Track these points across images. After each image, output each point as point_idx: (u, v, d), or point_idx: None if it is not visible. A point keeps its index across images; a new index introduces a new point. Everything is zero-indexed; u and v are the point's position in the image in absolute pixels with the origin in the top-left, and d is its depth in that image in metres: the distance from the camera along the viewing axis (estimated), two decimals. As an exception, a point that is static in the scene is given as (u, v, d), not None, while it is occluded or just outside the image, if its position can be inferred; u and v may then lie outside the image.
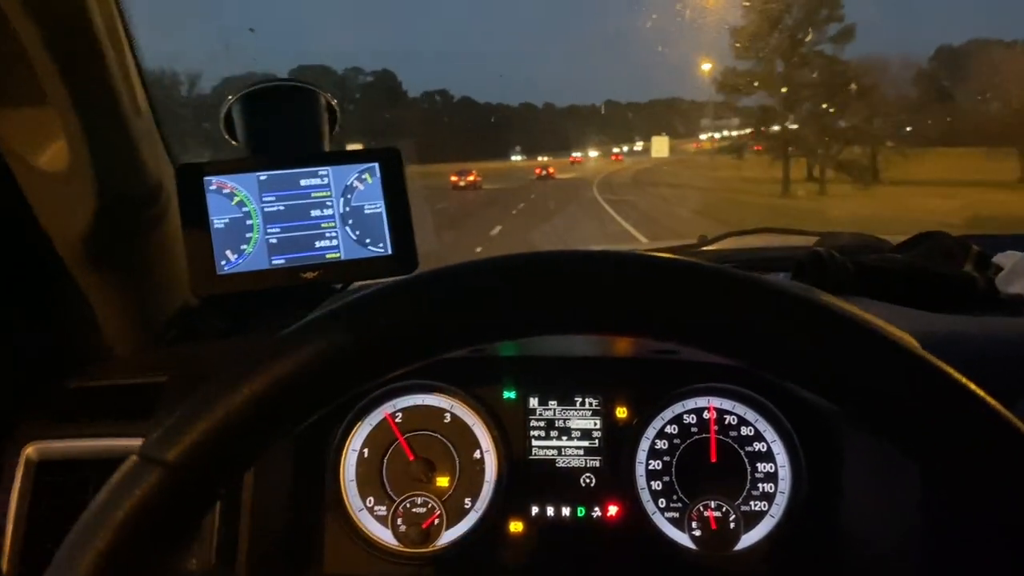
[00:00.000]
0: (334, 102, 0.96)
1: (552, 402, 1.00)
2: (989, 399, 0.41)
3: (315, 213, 0.86)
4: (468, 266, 0.46)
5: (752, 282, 0.44)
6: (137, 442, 0.80)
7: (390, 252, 0.88)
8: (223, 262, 0.83)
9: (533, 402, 1.00)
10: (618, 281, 0.45)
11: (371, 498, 0.97)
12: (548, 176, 31.70)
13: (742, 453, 0.96)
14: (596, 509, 0.97)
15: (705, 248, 1.49)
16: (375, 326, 0.44)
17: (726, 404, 0.97)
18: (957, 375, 0.42)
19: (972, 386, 0.41)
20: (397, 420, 0.98)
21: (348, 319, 0.44)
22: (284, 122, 0.93)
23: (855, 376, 0.43)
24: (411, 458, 0.97)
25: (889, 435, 0.43)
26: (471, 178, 26.41)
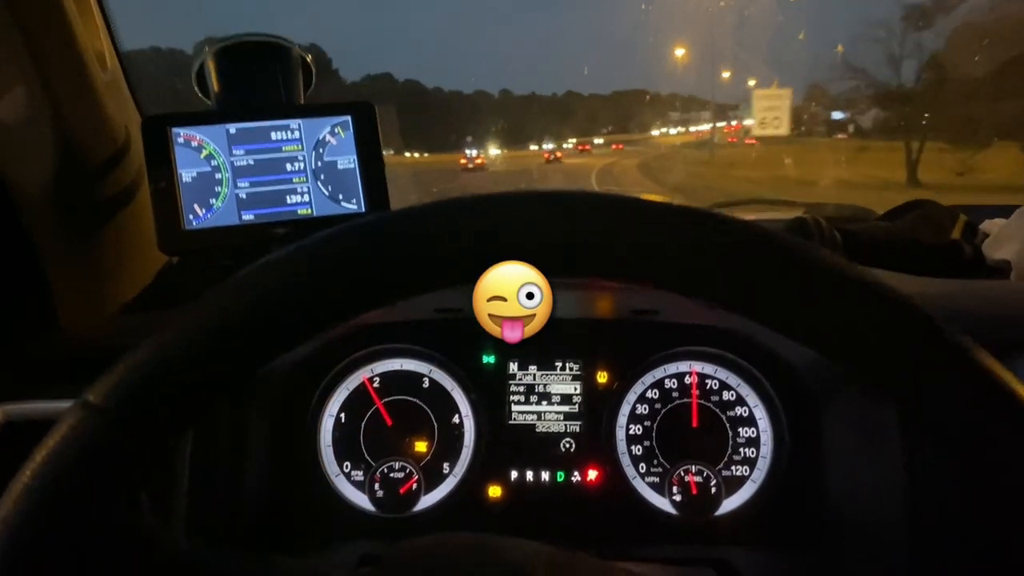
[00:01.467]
0: (309, 58, 0.94)
1: (532, 367, 0.98)
2: (972, 346, 0.40)
3: (286, 167, 0.84)
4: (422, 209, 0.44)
5: (722, 220, 0.43)
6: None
7: (363, 208, 0.85)
8: (191, 216, 0.80)
9: (513, 367, 0.98)
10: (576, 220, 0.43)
11: (348, 463, 0.95)
12: (557, 159, 32.82)
13: (723, 418, 0.95)
14: (576, 474, 0.95)
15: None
16: (320, 272, 0.42)
17: (708, 368, 0.96)
18: (948, 325, 0.40)
19: (961, 337, 0.40)
20: (375, 385, 0.97)
21: (294, 262, 0.43)
22: (257, 78, 0.90)
23: (838, 318, 0.41)
24: (389, 423, 0.96)
25: (874, 379, 0.42)
26: (478, 161, 30.03)
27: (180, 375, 0.41)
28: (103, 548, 0.42)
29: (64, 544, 0.40)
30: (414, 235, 0.43)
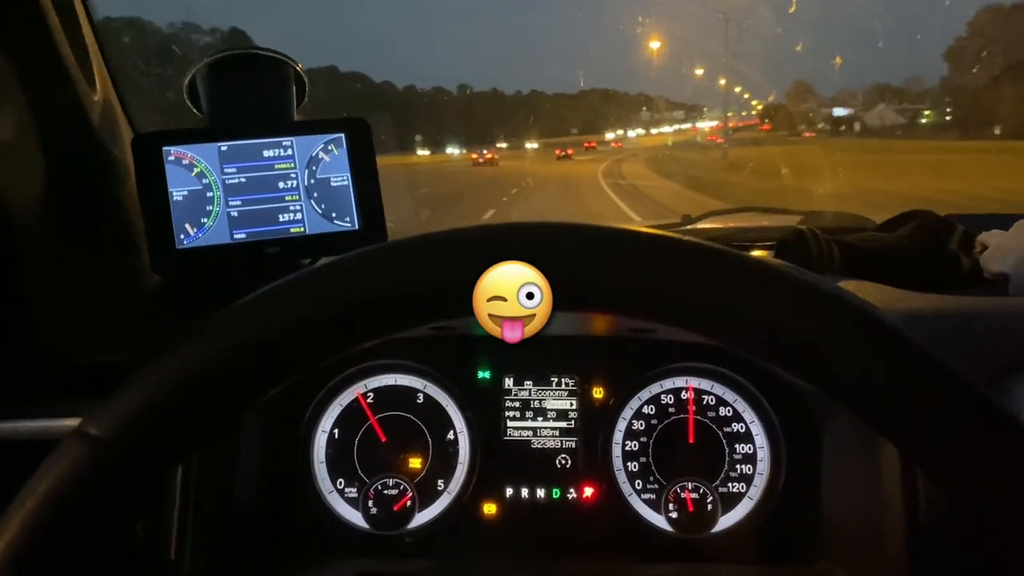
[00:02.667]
0: (301, 69, 0.93)
1: (527, 382, 0.98)
2: (968, 379, 0.40)
3: (279, 185, 0.83)
4: (422, 241, 0.44)
5: (714, 252, 0.42)
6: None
7: (357, 227, 0.84)
8: (182, 236, 0.79)
9: (508, 382, 0.98)
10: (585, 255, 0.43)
11: (341, 480, 0.95)
12: (567, 156, 33.13)
13: (720, 434, 0.94)
14: (572, 491, 0.95)
15: (688, 227, 1.47)
16: (318, 303, 0.43)
17: (704, 384, 0.95)
18: (939, 358, 0.40)
19: (954, 368, 0.40)
20: (369, 400, 0.96)
21: (293, 294, 0.43)
22: (249, 92, 0.89)
23: (831, 352, 0.41)
24: (383, 439, 0.95)
25: (872, 419, 0.41)
26: (488, 156, 31.39)
27: (179, 406, 0.41)
28: (100, 574, 0.43)
29: (62, 572, 0.40)
30: (409, 269, 0.43)
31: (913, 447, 0.41)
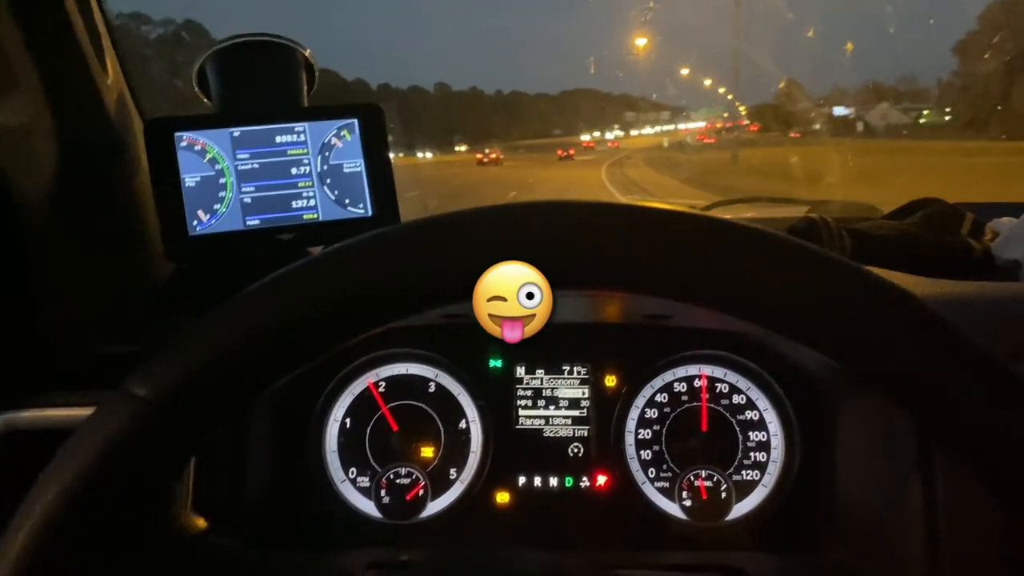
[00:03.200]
0: (311, 56, 0.92)
1: (539, 370, 0.97)
2: (994, 353, 0.40)
3: (292, 171, 0.82)
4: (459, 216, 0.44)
5: (740, 229, 0.42)
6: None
7: (370, 214, 0.84)
8: (195, 222, 0.79)
9: (520, 371, 0.97)
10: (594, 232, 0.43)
11: (353, 469, 0.94)
12: (569, 156, 33.30)
13: (734, 422, 0.94)
14: (584, 479, 0.95)
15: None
16: (356, 277, 0.43)
17: (717, 372, 0.95)
18: (958, 327, 0.40)
19: (975, 339, 0.40)
20: (380, 389, 0.96)
21: (335, 266, 0.43)
22: (259, 79, 0.88)
23: (857, 325, 0.41)
24: (395, 428, 0.95)
25: (891, 389, 0.41)
26: (492, 156, 31.31)
27: (223, 369, 0.42)
28: (136, 533, 0.44)
29: (100, 529, 0.41)
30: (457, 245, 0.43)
31: (936, 419, 0.41)
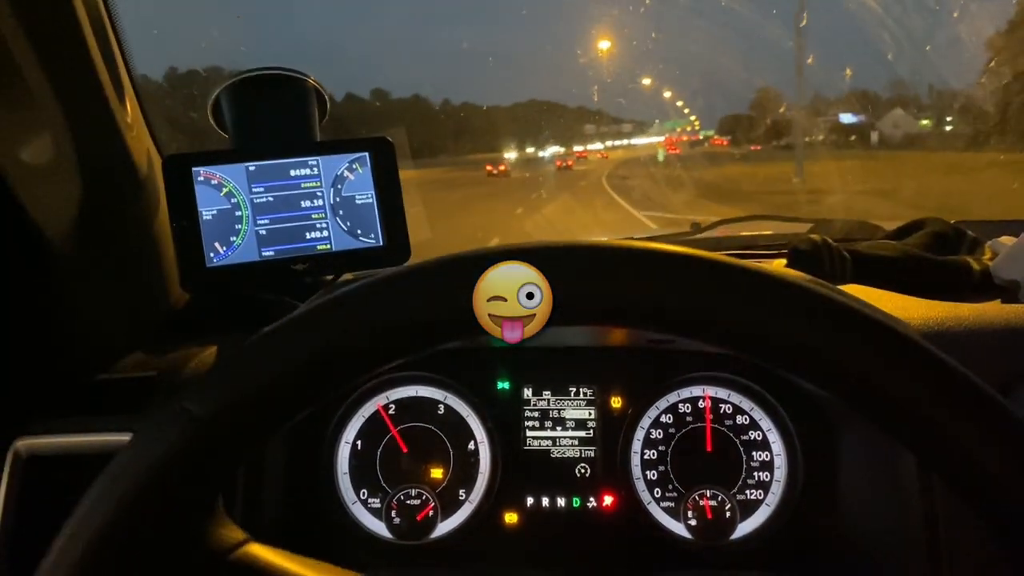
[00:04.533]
0: (324, 89, 0.95)
1: (546, 392, 0.99)
2: (993, 393, 0.41)
3: (305, 204, 0.84)
4: (477, 256, 0.45)
5: (742, 270, 0.44)
6: (126, 437, 0.79)
7: (382, 243, 0.86)
8: (212, 254, 0.81)
9: (527, 392, 0.99)
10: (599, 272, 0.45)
11: (365, 491, 0.96)
12: (568, 168, 32.54)
13: (738, 442, 0.96)
14: (591, 499, 0.96)
15: (698, 236, 1.48)
16: (407, 305, 0.45)
17: (721, 393, 0.97)
18: (959, 367, 0.41)
19: (975, 379, 0.41)
20: (390, 412, 0.98)
21: (377, 296, 0.45)
22: (273, 111, 0.91)
23: (854, 365, 0.42)
24: (404, 450, 0.97)
25: (892, 429, 0.43)
26: (501, 168, 30.90)
27: (273, 389, 0.44)
28: (183, 544, 0.45)
29: (149, 540, 0.43)
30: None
31: (932, 456, 0.42)
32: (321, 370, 0.44)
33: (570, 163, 34.33)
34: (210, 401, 0.42)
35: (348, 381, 0.46)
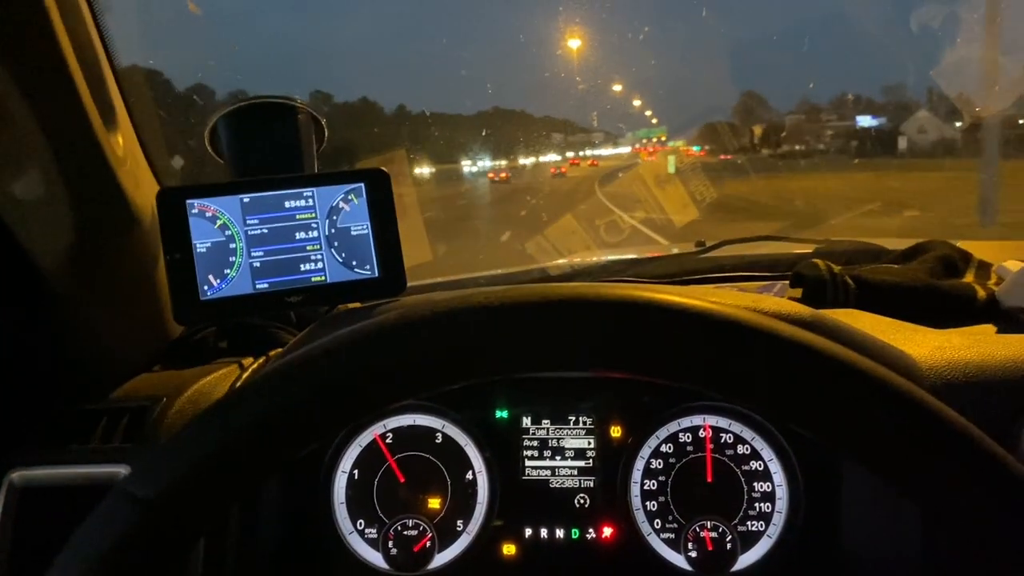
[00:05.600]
0: (322, 119, 0.95)
1: (545, 421, 0.98)
2: (992, 445, 0.40)
3: (300, 235, 0.84)
4: (444, 313, 0.45)
5: (740, 323, 0.43)
6: (121, 468, 0.79)
7: (377, 275, 0.86)
8: (206, 287, 0.81)
9: (526, 421, 0.98)
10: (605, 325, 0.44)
11: (361, 521, 0.96)
12: (562, 174, 32.33)
13: (738, 472, 0.94)
14: (590, 531, 0.95)
15: (703, 255, 1.47)
16: (360, 366, 0.44)
17: (722, 422, 0.96)
18: (957, 418, 0.41)
19: (975, 431, 0.40)
20: (387, 441, 0.97)
21: (336, 357, 0.44)
22: (270, 140, 0.91)
23: (851, 420, 0.42)
24: (402, 480, 0.96)
25: (895, 480, 0.42)
26: (503, 175, 31.02)
27: (219, 466, 0.43)
28: None
29: None
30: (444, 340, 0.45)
31: (933, 507, 0.42)
32: (268, 438, 0.43)
33: (564, 169, 33.96)
34: (153, 481, 0.41)
35: (296, 448, 0.45)
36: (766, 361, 0.42)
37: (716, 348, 0.43)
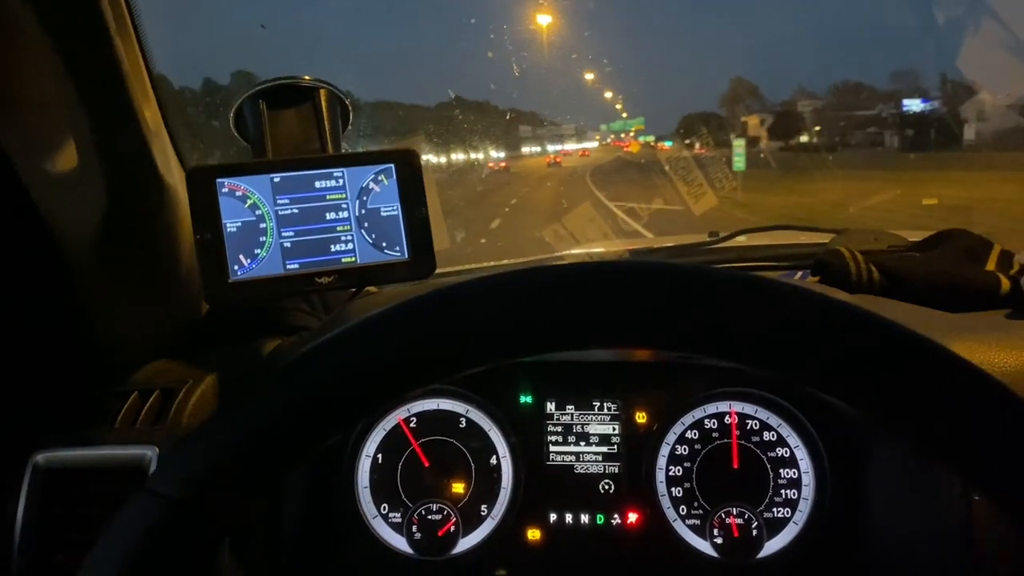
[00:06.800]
0: (347, 100, 0.94)
1: (570, 407, 0.98)
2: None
3: (330, 216, 0.83)
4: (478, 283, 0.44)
5: (783, 288, 0.42)
6: (146, 450, 0.78)
7: (407, 256, 0.85)
8: (236, 267, 0.80)
9: (550, 407, 0.98)
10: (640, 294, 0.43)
11: (385, 505, 0.95)
12: (557, 164, 31.98)
13: (764, 459, 0.94)
14: (615, 516, 0.95)
15: (718, 245, 1.47)
16: (388, 347, 0.43)
17: (748, 408, 0.95)
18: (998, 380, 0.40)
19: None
20: (411, 425, 0.97)
21: (357, 341, 0.43)
22: (297, 121, 0.90)
23: (900, 389, 0.41)
24: (426, 464, 0.96)
25: (936, 448, 0.41)
26: (503, 164, 29.90)
27: (243, 461, 0.41)
28: None
29: None
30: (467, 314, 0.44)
31: (976, 475, 0.41)
32: (292, 430, 0.42)
33: (558, 159, 33.26)
34: (177, 479, 0.40)
35: (322, 438, 0.43)
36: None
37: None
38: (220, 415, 0.42)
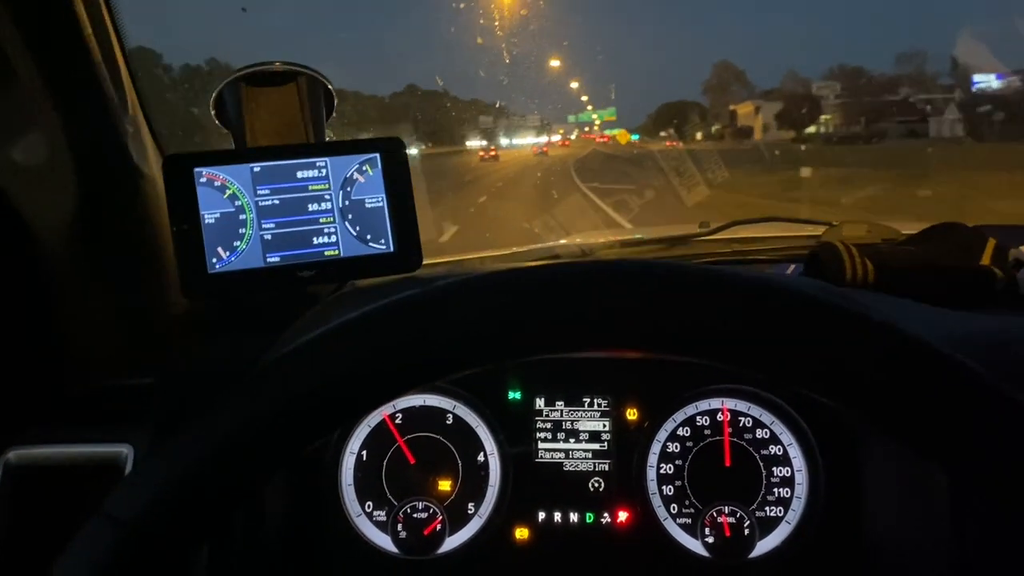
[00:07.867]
0: (331, 86, 0.91)
1: (559, 403, 0.96)
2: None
3: (312, 207, 0.81)
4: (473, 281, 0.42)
5: (770, 286, 0.41)
6: (122, 448, 0.76)
7: (392, 249, 0.83)
8: (214, 260, 0.77)
9: (539, 403, 0.96)
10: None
11: (370, 503, 0.93)
12: (544, 153, 32.21)
13: (757, 456, 0.93)
14: (605, 515, 0.93)
15: (709, 236, 1.45)
16: (363, 354, 0.40)
17: (740, 405, 0.94)
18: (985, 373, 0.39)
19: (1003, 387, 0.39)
20: (396, 422, 0.94)
21: (329, 348, 0.40)
22: (279, 108, 0.87)
23: (879, 380, 0.40)
24: (412, 461, 0.93)
25: (922, 445, 0.40)
26: (492, 152, 30.93)
27: (202, 483, 0.39)
28: None
29: None
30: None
31: (965, 471, 0.40)
32: (245, 459, 0.40)
33: (545, 149, 33.53)
34: (134, 501, 0.38)
35: (290, 452, 0.41)
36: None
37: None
38: (183, 430, 0.40)
